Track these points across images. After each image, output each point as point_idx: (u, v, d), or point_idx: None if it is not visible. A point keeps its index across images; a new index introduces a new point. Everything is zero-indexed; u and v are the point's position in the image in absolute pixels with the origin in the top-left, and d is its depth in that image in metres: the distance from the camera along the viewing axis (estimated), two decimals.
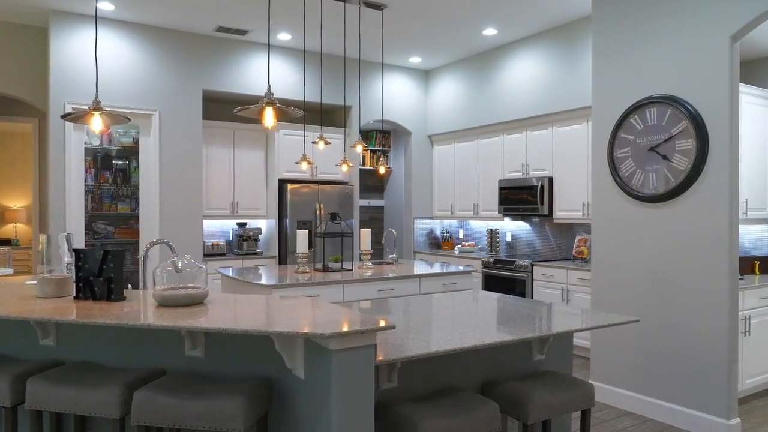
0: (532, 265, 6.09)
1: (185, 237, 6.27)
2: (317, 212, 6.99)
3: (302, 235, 5.00)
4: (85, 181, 6.71)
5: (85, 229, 6.75)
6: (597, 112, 4.47)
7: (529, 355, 2.97)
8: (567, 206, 6.10)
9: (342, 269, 5.14)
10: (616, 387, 4.30)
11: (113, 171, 7.34)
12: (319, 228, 5.16)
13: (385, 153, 9.12)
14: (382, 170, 5.62)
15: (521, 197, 6.51)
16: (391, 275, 4.82)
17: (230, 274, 4.84)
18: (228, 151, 6.88)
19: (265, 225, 7.26)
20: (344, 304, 4.32)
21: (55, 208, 5.65)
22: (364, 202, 9.22)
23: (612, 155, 4.30)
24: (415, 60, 7.50)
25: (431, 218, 8.12)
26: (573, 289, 5.65)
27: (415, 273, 4.95)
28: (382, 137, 9.14)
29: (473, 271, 5.33)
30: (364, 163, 8.83)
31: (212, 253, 6.70)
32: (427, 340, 2.39)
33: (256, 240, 7.10)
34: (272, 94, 2.44)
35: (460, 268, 5.30)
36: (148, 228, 6.15)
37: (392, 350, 2.22)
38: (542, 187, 6.27)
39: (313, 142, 5.44)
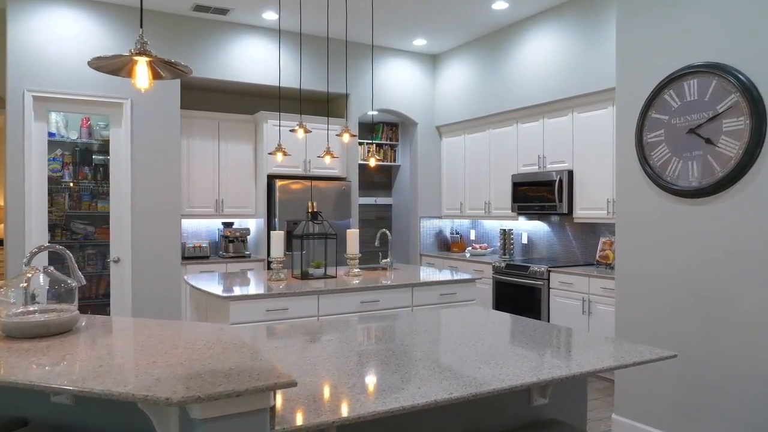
0: (549, 271, 5.31)
1: (161, 238, 5.66)
2: (311, 210, 6.31)
3: (276, 237, 4.34)
4: (62, 178, 6.17)
5: (63, 230, 6.21)
6: (622, 87, 3.68)
7: (527, 400, 2.23)
8: (589, 203, 5.31)
9: (325, 276, 4.46)
10: (645, 425, 3.51)
11: (93, 167, 6.79)
12: (297, 229, 4.49)
13: (392, 147, 8.43)
14: (372, 162, 4.91)
15: (537, 194, 5.73)
16: (379, 283, 4.11)
17: (190, 281, 4.20)
18: (212, 143, 6.26)
19: (254, 225, 6.63)
20: (311, 322, 3.66)
21: (13, 206, 5.09)
22: (371, 200, 8.55)
23: (641, 140, 3.52)
24: (419, 43, 6.77)
25: (440, 218, 7.38)
26: (596, 300, 4.86)
27: (407, 282, 4.24)
28: (390, 130, 8.45)
29: (477, 279, 4.59)
30: (368, 158, 8.15)
31: (194, 256, 6.09)
32: (374, 389, 1.68)
33: (244, 241, 6.47)
34: (146, 42, 1.75)
35: (464, 275, 4.57)
36: (119, 229, 5.56)
37: (323, 408, 1.52)
38: (561, 181, 5.48)
39: (291, 130, 4.77)
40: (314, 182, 6.37)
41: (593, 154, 5.27)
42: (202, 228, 6.52)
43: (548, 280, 5.31)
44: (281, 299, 3.74)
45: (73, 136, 6.79)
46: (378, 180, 8.79)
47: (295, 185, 6.25)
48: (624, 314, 3.68)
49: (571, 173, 5.47)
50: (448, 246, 7.41)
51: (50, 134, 5.95)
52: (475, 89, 6.67)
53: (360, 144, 8.36)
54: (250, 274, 4.65)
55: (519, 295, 5.61)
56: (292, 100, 7.04)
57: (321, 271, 4.51)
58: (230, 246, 6.31)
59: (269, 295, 3.71)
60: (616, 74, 3.74)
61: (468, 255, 6.72)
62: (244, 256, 6.31)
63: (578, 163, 5.42)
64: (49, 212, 6.16)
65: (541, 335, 2.41)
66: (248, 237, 6.52)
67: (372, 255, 8.68)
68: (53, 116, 5.83)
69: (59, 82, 5.23)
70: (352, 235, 4.61)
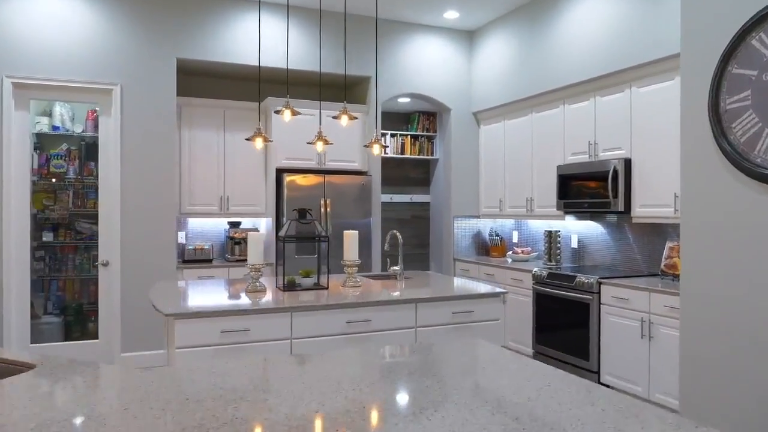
0: (599, 283, 4.32)
1: (154, 239, 5.08)
2: (322, 209, 5.58)
3: (254, 240, 3.61)
4: (66, 174, 5.73)
5: (67, 229, 5.77)
6: (690, 36, 2.70)
7: None
8: (651, 199, 4.28)
9: (316, 287, 3.69)
10: None
11: (98, 163, 6.34)
12: (282, 231, 3.75)
13: (430, 139, 7.59)
14: (376, 150, 4.10)
15: (588, 188, 4.74)
16: (373, 299, 3.30)
17: (152, 291, 3.54)
18: (216, 134, 5.64)
19: (264, 225, 5.96)
20: (280, 352, 2.91)
21: None
22: (405, 198, 7.75)
23: (716, 106, 2.53)
24: (451, 16, 5.88)
25: (477, 217, 6.46)
26: (658, 322, 3.84)
27: (409, 297, 3.40)
28: (426, 119, 7.61)
29: (504, 293, 3.69)
30: (403, 151, 7.37)
31: (195, 259, 5.49)
32: None
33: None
34: None
35: (486, 287, 3.70)
36: (108, 229, 5.02)
37: None
38: (616, 173, 4.47)
39: (277, 109, 4.04)
40: (328, 177, 5.62)
41: (656, 138, 4.24)
42: (209, 228, 5.92)
43: (598, 293, 4.32)
44: (241, 318, 3.00)
45: (78, 129, 6.35)
46: (414, 176, 7.96)
47: (306, 180, 5.53)
48: (691, 345, 2.70)
49: (628, 162, 4.45)
50: (487, 250, 6.48)
51: (54, 128, 5.51)
52: (516, 67, 5.72)
53: (393, 136, 7.57)
54: (223, 284, 3.95)
55: (563, 311, 4.64)
56: (305, 86, 6.33)
57: (311, 280, 3.74)
58: (236, 248, 5.67)
59: (226, 312, 2.97)
60: (681, 17, 2.76)
61: (510, 260, 5.79)
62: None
63: (638, 149, 4.40)
64: (51, 210, 5.73)
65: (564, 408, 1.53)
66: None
67: (407, 258, 7.87)
68: (57, 108, 5.39)
69: (42, 67, 4.74)
70: (350, 238, 3.82)
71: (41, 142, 5.55)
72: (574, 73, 4.97)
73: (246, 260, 5.61)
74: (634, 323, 4.02)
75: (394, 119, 7.73)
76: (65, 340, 5.12)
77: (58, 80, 4.77)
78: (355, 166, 5.87)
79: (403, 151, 7.53)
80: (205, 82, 6.02)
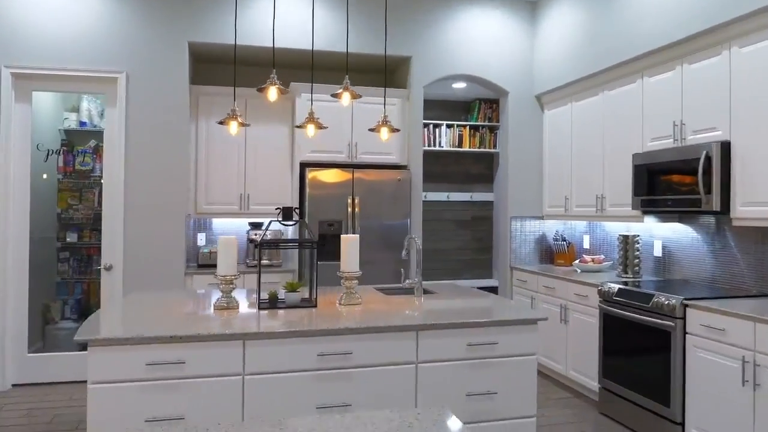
0: (684, 305, 3.26)
1: (160, 241, 4.59)
2: (350, 209, 4.86)
3: (226, 245, 2.95)
4: (92, 172, 5.43)
5: (92, 230, 5.46)
6: None
7: None
8: (759, 195, 3.18)
9: (303, 304, 2.98)
10: None
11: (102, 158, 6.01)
12: (259, 234, 3.07)
13: (492, 130, 6.70)
14: (384, 135, 3.30)
15: (673, 182, 3.68)
16: (362, 323, 2.53)
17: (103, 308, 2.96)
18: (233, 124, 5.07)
19: (291, 226, 5.33)
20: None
21: None
22: (465, 196, 6.91)
23: None
24: None
25: (540, 218, 5.46)
26: None
27: (408, 322, 2.59)
28: (488, 107, 6.71)
29: (542, 320, 2.77)
30: (460, 143, 6.55)
31: (210, 264, 4.95)
32: None
33: (277, 246, 5.20)
34: None
35: (512, 312, 2.82)
36: (111, 230, 4.59)
37: None
38: (709, 160, 3.39)
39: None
40: (358, 172, 4.89)
41: (764, 115, 3.13)
42: (232, 230, 5.38)
43: (683, 319, 3.26)
44: (174, 347, 2.33)
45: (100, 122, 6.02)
46: (476, 171, 7.07)
47: (331, 176, 4.83)
48: None
49: (726, 147, 3.36)
50: (552, 256, 5.47)
51: (81, 123, 5.22)
52: (585, 37, 4.70)
53: (450, 127, 6.74)
54: (198, 297, 3.31)
55: (637, 338, 3.61)
56: (335, 70, 5.62)
57: (297, 296, 3.02)
58: (258, 252, 5.07)
59: (153, 339, 2.32)
60: None
61: (578, 270, 4.78)
62: (274, 266, 5.04)
63: (739, 129, 3.30)
64: (75, 210, 5.44)
65: None
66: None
67: (466, 265, 7.03)
68: (84, 104, 5.09)
69: (43, 56, 4.38)
70: (349, 244, 3.06)
71: (69, 139, 5.26)
72: (655, 37, 3.90)
73: (269, 266, 5.02)
74: (732, 363, 2.95)
75: (452, 108, 6.89)
76: (80, 350, 4.74)
77: (60, 69, 4.39)
78: (392, 159, 5.10)
79: (460, 144, 6.68)
80: (226, 69, 5.49)
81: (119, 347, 2.32)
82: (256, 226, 5.19)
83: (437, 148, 6.70)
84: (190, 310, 2.87)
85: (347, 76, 3.23)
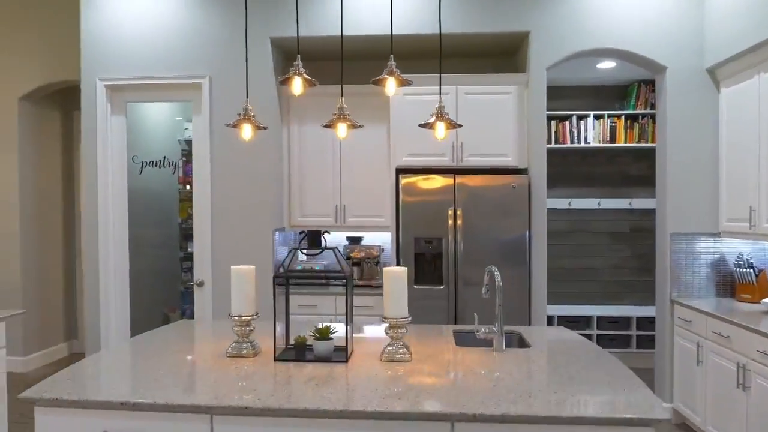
0: None
1: (248, 257, 4.24)
2: (450, 221, 4.03)
3: (239, 279, 2.41)
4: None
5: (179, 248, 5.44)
6: None
7: None
8: None
9: (335, 356, 2.32)
10: None
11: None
12: (286, 261, 2.44)
13: (653, 117, 5.41)
14: (441, 133, 2.44)
15: None
16: (376, 408, 1.78)
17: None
18: (329, 129, 4.55)
19: (391, 241, 4.66)
20: None
21: (89, 221, 4.34)
22: (622, 203, 5.73)
23: None
24: None
25: (716, 235, 4.07)
26: None
27: (438, 409, 1.77)
28: (650, 91, 5.43)
29: (663, 420, 1.73)
30: (613, 138, 5.42)
31: (303, 283, 4.49)
32: None
33: (377, 264, 4.57)
34: None
35: (622, 407, 1.83)
36: (201, 244, 4.35)
37: None
38: None
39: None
40: (461, 177, 4.04)
41: None
42: (331, 244, 4.87)
43: None
44: (132, 415, 1.82)
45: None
46: (635, 172, 5.80)
47: (428, 183, 4.05)
48: None
49: None
50: (732, 288, 4.03)
51: None
52: None
53: (598, 118, 5.60)
54: (224, 335, 2.78)
55: None
56: (444, 58, 4.76)
57: (328, 346, 2.35)
58: (355, 271, 4.50)
59: (102, 404, 1.83)
60: None
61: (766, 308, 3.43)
62: (372, 287, 4.42)
63: None
64: (183, 222, 5.44)
65: None
66: (380, 258, 4.59)
67: (625, 287, 5.82)
68: None
69: (132, 65, 4.29)
70: (393, 279, 2.29)
71: (190, 149, 5.25)
72: None
73: (365, 285, 4.41)
74: None
75: (600, 95, 5.69)
76: None
77: (148, 78, 4.26)
78: (507, 161, 4.15)
79: (613, 139, 5.47)
80: (316, 67, 4.99)
81: (70, 410, 1.87)
82: (354, 240, 4.62)
83: (582, 144, 5.52)
84: (200, 356, 2.37)
85: (392, 56, 2.48)
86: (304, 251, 2.45)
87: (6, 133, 5.20)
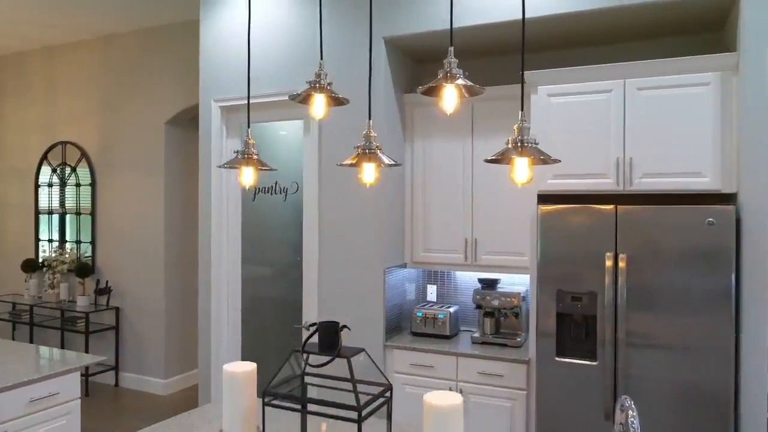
0: None
1: (356, 301, 3.58)
2: (607, 278, 2.85)
3: (231, 387, 1.80)
4: None
5: None
6: None
7: None
8: None
9: None
10: None
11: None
12: (308, 346, 1.67)
13: None
14: (522, 176, 1.42)
15: None
16: None
17: None
18: (460, 142, 3.67)
19: (531, 290, 3.58)
20: None
21: (202, 249, 4.09)
22: None
23: None
24: None
25: None
26: None
27: None
28: None
29: None
30: None
31: (425, 333, 3.68)
32: None
33: (517, 315, 3.56)
34: None
35: None
36: (309, 280, 3.80)
37: None
38: None
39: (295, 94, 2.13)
40: (625, 208, 2.84)
41: None
42: (463, 284, 3.97)
43: None
44: None
45: None
46: None
47: (579, 215, 2.93)
48: None
49: None
50: None
51: None
52: None
53: None
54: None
55: None
56: (589, 45, 3.50)
57: None
58: (488, 323, 3.54)
59: None
60: None
61: None
62: (508, 346, 3.43)
63: None
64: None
65: None
66: (521, 307, 3.55)
67: None
68: None
69: (243, 85, 3.94)
70: (435, 416, 1.39)
71: None
72: None
73: (498, 343, 3.43)
74: None
75: None
76: None
77: (260, 97, 3.86)
78: (702, 183, 2.83)
79: None
80: (433, 70, 4.09)
81: None
82: (488, 285, 3.66)
83: None
84: None
85: (451, 50, 1.58)
86: (309, 354, 1.65)
87: (154, 156, 5.31)
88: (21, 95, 6.24)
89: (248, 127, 2.14)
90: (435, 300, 4.05)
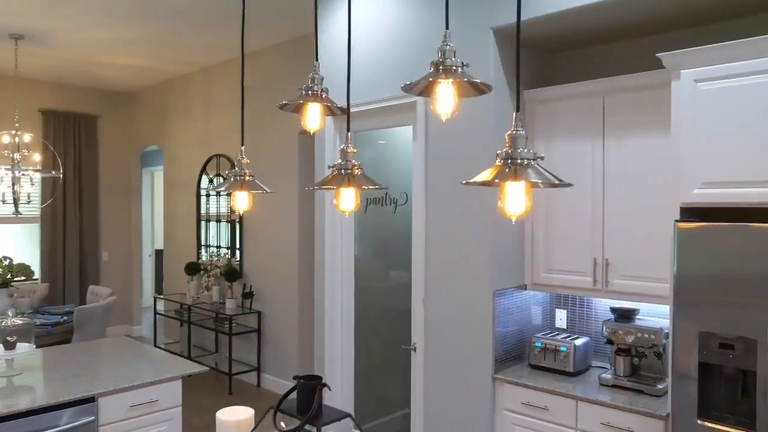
0: None
1: (462, 326, 3.21)
2: None
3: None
4: None
5: None
6: None
7: None
8: None
9: None
10: None
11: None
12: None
13: None
14: None
15: None
16: None
17: None
18: (590, 142, 3.09)
19: (669, 325, 2.85)
20: None
21: (317, 261, 4.02)
22: None
23: None
24: None
25: None
26: None
27: None
28: None
29: None
30: None
31: (543, 367, 3.17)
32: None
33: (659, 356, 2.89)
34: None
35: None
36: (417, 300, 3.49)
37: None
38: None
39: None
40: None
41: None
42: (602, 309, 3.35)
43: None
44: None
45: None
46: None
47: (733, 236, 2.23)
48: None
49: None
50: None
51: None
52: None
53: None
54: None
55: None
56: (747, 16, 2.61)
57: None
58: (621, 362, 2.92)
59: None
60: None
61: None
62: (645, 393, 2.79)
63: None
64: None
65: None
66: (662, 345, 2.86)
67: None
68: None
69: (355, 91, 3.78)
70: None
71: None
72: None
73: (638, 391, 2.79)
74: None
75: None
76: None
77: (369, 103, 3.67)
78: None
79: None
80: (569, 56, 3.45)
81: None
82: (623, 315, 3.02)
83: None
84: None
85: (447, 32, 1.27)
86: (282, 413, 1.36)
87: (289, 165, 5.43)
88: (185, 114, 6.87)
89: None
90: (564, 327, 3.49)
